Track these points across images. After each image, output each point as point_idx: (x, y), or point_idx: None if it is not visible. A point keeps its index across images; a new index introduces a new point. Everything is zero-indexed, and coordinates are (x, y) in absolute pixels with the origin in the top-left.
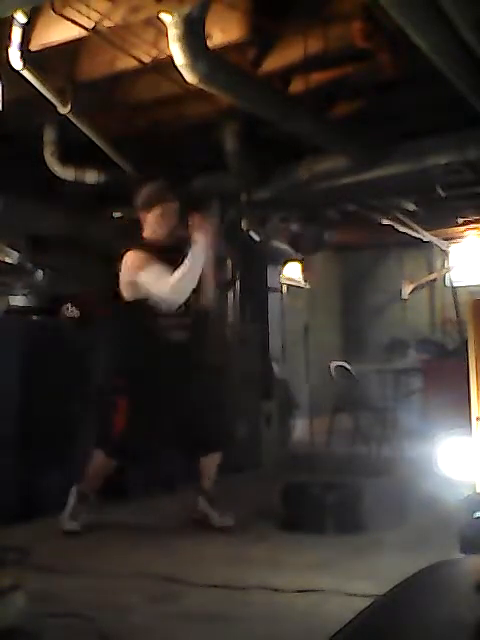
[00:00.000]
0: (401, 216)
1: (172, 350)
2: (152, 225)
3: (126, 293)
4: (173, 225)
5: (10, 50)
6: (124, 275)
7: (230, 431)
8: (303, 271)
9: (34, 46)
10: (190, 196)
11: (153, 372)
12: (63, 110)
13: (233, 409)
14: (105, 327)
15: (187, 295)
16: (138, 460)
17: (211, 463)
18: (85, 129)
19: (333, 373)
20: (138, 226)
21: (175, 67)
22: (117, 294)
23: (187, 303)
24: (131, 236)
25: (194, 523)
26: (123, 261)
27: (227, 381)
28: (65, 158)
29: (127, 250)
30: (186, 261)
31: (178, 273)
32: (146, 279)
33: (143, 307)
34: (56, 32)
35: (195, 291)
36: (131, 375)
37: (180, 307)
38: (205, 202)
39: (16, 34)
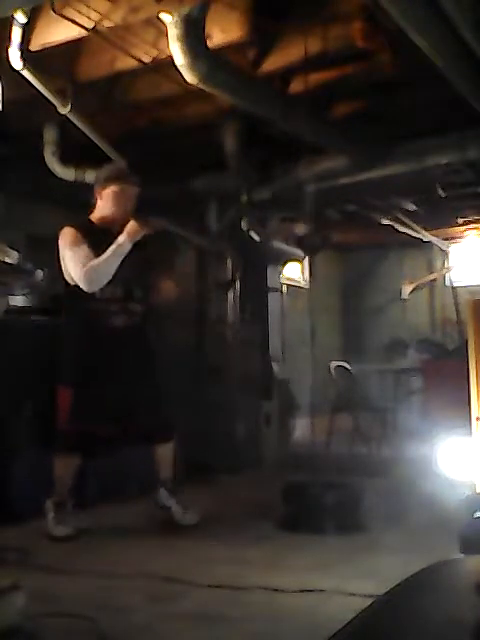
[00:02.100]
0: (401, 216)
1: (109, 334)
2: (103, 203)
3: (64, 271)
4: (125, 209)
5: (10, 50)
6: (60, 251)
7: (173, 423)
8: (304, 271)
9: (34, 46)
10: (189, 196)
11: (91, 362)
12: (63, 110)
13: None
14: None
15: (100, 285)
16: (90, 450)
17: (164, 453)
18: (85, 129)
19: (333, 373)
20: (91, 203)
21: (175, 67)
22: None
23: (133, 291)
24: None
25: (162, 523)
26: (60, 236)
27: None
28: (65, 158)
29: (63, 226)
30: (107, 251)
31: (94, 262)
32: (68, 259)
33: (82, 292)
34: (56, 32)
35: (147, 282)
36: (69, 367)
37: (129, 293)
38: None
39: (16, 34)
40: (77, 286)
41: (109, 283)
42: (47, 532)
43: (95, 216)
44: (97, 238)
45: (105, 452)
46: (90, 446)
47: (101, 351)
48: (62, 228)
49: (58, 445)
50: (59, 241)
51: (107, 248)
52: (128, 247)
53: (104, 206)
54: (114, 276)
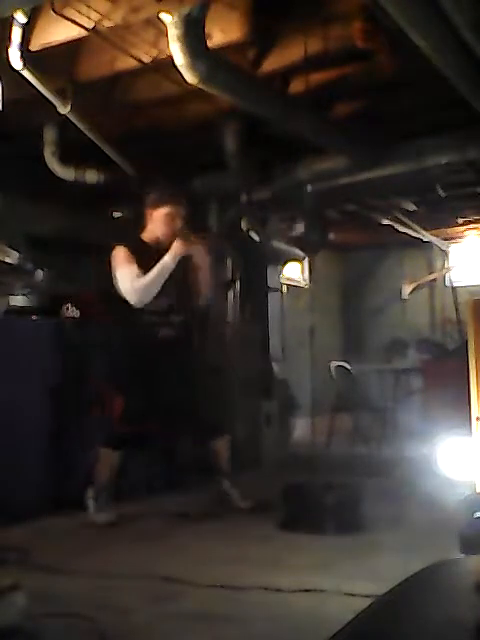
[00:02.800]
0: (401, 216)
1: (159, 345)
2: (153, 224)
3: (116, 286)
4: (172, 229)
5: (10, 50)
6: (112, 269)
7: (222, 422)
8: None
9: (34, 46)
10: (190, 196)
11: (140, 369)
12: (63, 110)
13: (229, 406)
14: (100, 323)
15: (148, 300)
16: (135, 446)
17: (222, 446)
18: (85, 129)
19: (333, 373)
20: (141, 223)
21: (175, 67)
22: (112, 289)
23: (178, 301)
24: (130, 235)
25: (220, 504)
26: (112, 255)
27: (219, 375)
28: (65, 158)
29: (116, 245)
30: (154, 269)
31: (143, 279)
32: (119, 277)
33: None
34: (56, 32)
35: (189, 291)
36: (121, 373)
37: (171, 305)
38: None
39: (16, 34)
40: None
41: (155, 297)
42: (89, 520)
43: (146, 235)
44: (146, 255)
45: (151, 448)
46: (135, 444)
47: (150, 359)
48: (114, 247)
49: (106, 441)
50: (111, 260)
51: (155, 264)
52: (172, 266)
53: (154, 227)
54: (160, 290)
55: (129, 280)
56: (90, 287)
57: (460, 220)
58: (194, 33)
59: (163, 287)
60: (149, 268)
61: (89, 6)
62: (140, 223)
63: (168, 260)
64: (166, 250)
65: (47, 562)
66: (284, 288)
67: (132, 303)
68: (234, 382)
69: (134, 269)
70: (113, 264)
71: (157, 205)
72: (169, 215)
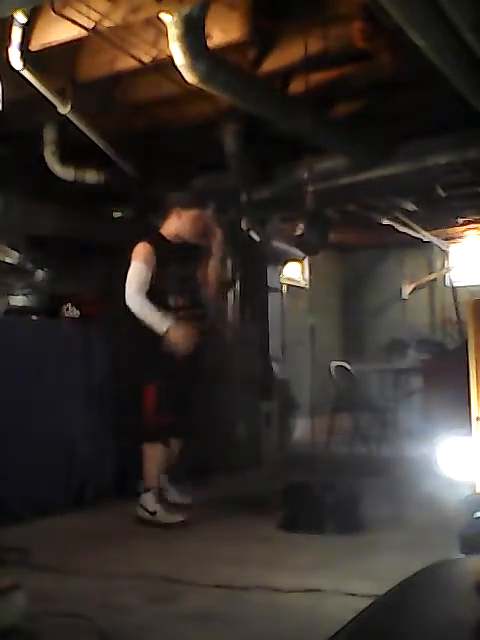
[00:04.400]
0: (401, 216)
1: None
2: (180, 223)
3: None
4: (198, 232)
5: (10, 50)
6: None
7: (194, 426)
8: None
9: (34, 46)
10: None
11: (169, 369)
12: (63, 110)
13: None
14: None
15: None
16: (173, 435)
17: (173, 447)
18: (85, 129)
19: (333, 373)
20: (163, 217)
21: (175, 67)
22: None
23: (197, 299)
24: (131, 235)
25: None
26: (135, 249)
27: (221, 383)
28: (65, 158)
29: (140, 240)
30: (155, 314)
31: (144, 303)
32: (130, 271)
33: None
34: (56, 32)
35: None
36: (154, 374)
37: (194, 301)
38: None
39: (16, 34)
40: (154, 296)
41: (176, 293)
42: (157, 522)
43: (168, 231)
44: (166, 252)
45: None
46: (169, 433)
47: (171, 354)
48: (138, 242)
49: (148, 437)
50: (133, 252)
51: (172, 262)
52: (161, 333)
53: (180, 225)
54: (181, 286)
55: (135, 283)
56: (91, 287)
57: (460, 220)
58: (194, 33)
59: (185, 283)
60: (166, 263)
61: (89, 6)
62: (146, 221)
63: (162, 332)
64: (185, 248)
65: (47, 562)
66: (284, 288)
67: (126, 301)
68: (233, 387)
69: (145, 273)
70: (131, 257)
71: (188, 205)
72: (197, 218)
